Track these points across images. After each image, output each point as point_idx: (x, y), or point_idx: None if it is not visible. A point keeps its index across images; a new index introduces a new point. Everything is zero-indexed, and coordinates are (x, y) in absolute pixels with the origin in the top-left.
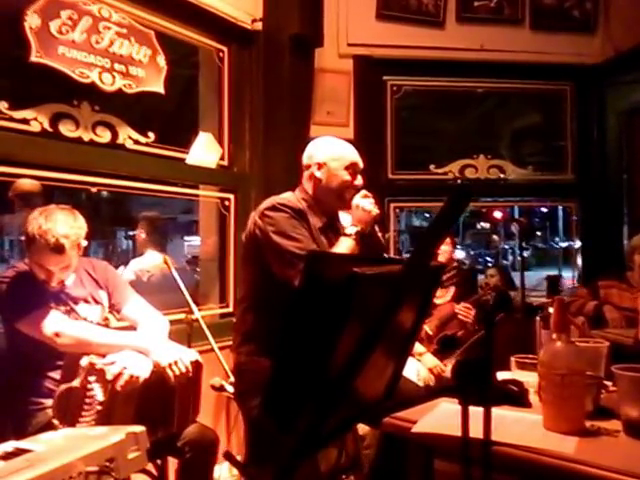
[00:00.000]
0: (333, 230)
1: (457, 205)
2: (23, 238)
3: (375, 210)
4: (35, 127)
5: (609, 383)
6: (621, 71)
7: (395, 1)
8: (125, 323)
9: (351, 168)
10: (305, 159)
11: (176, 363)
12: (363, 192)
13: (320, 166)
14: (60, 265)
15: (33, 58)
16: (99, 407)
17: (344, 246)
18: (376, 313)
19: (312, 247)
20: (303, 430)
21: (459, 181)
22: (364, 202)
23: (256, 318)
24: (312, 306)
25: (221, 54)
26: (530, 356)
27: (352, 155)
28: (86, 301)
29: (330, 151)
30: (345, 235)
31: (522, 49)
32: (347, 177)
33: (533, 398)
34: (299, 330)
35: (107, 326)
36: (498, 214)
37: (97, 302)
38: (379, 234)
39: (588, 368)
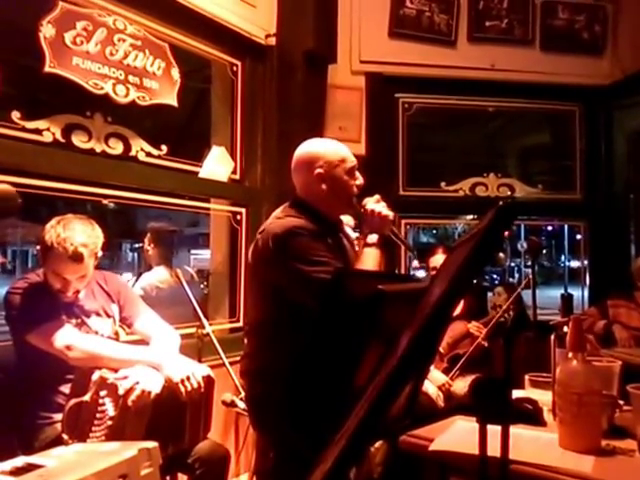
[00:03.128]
0: (340, 236)
1: (501, 225)
2: (38, 247)
3: (391, 213)
4: (47, 137)
5: (622, 402)
6: (629, 93)
7: (407, 20)
8: (135, 337)
9: (353, 171)
10: (300, 165)
11: (188, 379)
12: (376, 197)
13: (322, 176)
14: (78, 274)
15: (47, 68)
16: (110, 422)
17: (371, 257)
18: (410, 337)
19: (339, 266)
20: (336, 453)
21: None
22: (379, 207)
23: (276, 346)
24: (338, 323)
25: (235, 68)
26: (544, 374)
27: (350, 156)
28: (97, 314)
29: (329, 156)
30: (368, 245)
31: (532, 69)
32: (352, 182)
33: (547, 416)
34: (325, 347)
35: (117, 340)
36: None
37: (108, 315)
38: (397, 234)
39: (603, 387)
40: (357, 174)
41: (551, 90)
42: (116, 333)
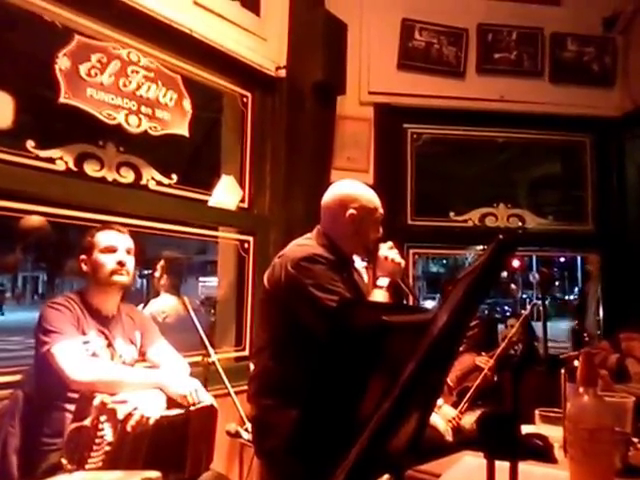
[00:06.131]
0: (352, 271)
1: (502, 256)
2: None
3: (403, 260)
4: (60, 166)
5: (636, 440)
6: None
7: (416, 52)
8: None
9: (379, 221)
10: (334, 201)
11: (196, 391)
12: (389, 243)
13: (353, 217)
14: (127, 244)
15: (62, 99)
16: (108, 447)
17: (379, 298)
18: (412, 368)
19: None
20: None
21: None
22: (392, 254)
23: (284, 368)
24: (342, 352)
25: (245, 99)
26: (555, 410)
27: (380, 208)
28: (123, 339)
29: (365, 201)
30: (377, 287)
31: (541, 101)
32: (376, 231)
33: (558, 453)
34: (330, 376)
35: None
36: (516, 263)
37: (132, 342)
38: (407, 283)
39: (615, 423)
40: (380, 228)
41: (561, 121)
42: (136, 361)
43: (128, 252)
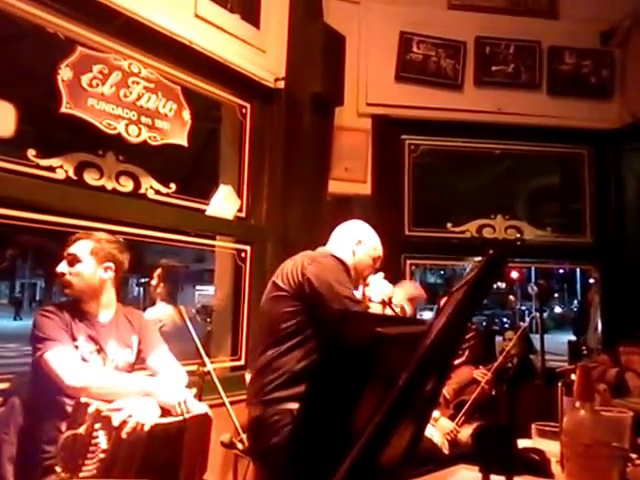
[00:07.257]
0: None
1: (492, 270)
2: None
3: (390, 285)
4: (60, 175)
5: (634, 455)
6: (639, 136)
7: (414, 64)
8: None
9: (377, 261)
10: (354, 237)
11: (185, 402)
12: (381, 274)
13: (360, 242)
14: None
15: (63, 109)
16: (102, 455)
17: (375, 310)
18: (402, 379)
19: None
20: None
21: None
22: (384, 283)
23: (289, 361)
24: (337, 363)
25: (244, 110)
26: (551, 424)
27: (381, 250)
28: (117, 343)
29: (372, 240)
30: (372, 302)
31: (539, 113)
32: (372, 266)
33: (555, 468)
34: (326, 388)
35: (131, 371)
36: (515, 274)
37: (128, 346)
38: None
39: (613, 439)
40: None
41: (559, 133)
42: (131, 365)
43: (70, 262)
